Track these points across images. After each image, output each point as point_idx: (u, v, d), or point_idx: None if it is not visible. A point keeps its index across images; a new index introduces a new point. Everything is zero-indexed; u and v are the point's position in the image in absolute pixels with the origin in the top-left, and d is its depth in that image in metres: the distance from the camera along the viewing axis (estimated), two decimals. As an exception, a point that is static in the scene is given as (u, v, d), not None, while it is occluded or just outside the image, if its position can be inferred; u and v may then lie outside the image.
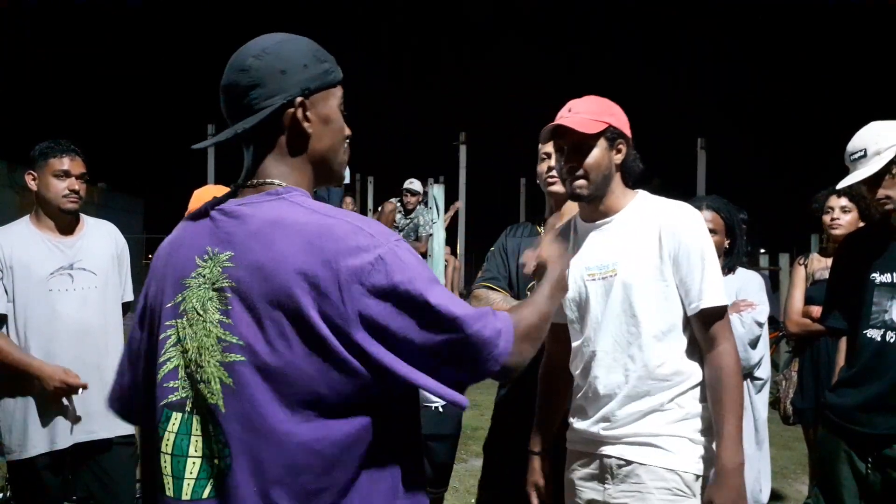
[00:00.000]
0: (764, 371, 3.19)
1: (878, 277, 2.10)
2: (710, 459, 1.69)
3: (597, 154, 1.73)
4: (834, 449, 2.14)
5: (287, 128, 1.08)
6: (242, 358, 0.99)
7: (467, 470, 4.71)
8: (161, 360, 1.07)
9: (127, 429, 2.58)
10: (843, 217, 3.21)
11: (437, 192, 6.69)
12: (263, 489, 0.98)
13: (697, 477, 1.69)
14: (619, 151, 1.77)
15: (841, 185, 2.12)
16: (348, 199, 7.37)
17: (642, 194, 1.83)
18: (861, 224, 3.12)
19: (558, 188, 2.27)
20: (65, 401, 2.43)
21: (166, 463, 1.04)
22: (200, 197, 2.55)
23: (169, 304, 1.07)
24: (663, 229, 1.72)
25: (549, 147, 2.31)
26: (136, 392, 1.18)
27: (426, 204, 6.89)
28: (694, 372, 1.73)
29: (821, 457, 2.23)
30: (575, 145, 1.74)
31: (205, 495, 1.01)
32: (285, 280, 0.97)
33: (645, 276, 1.72)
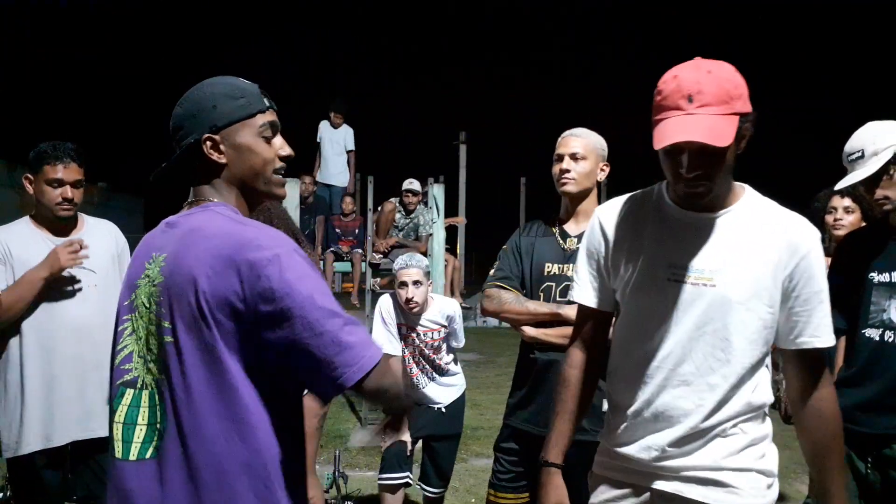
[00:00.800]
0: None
1: (876, 277, 2.10)
2: (775, 488, 1.52)
3: (728, 156, 1.41)
4: (833, 448, 2.14)
5: (202, 160, 1.29)
6: (171, 339, 1.18)
7: (467, 470, 4.71)
8: (118, 348, 1.28)
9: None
10: (846, 217, 3.21)
11: (437, 192, 6.70)
12: (187, 448, 1.16)
13: None
14: (743, 137, 1.43)
15: (839, 185, 2.13)
16: (348, 199, 7.36)
17: (750, 190, 1.54)
18: (864, 224, 3.12)
19: (571, 188, 2.32)
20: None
21: (118, 431, 1.23)
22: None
23: (126, 303, 1.29)
24: (787, 247, 1.45)
25: (562, 148, 2.34)
26: None
27: (426, 204, 6.89)
28: (761, 398, 1.52)
29: (820, 456, 2.22)
30: (704, 152, 1.37)
31: (147, 455, 1.21)
32: (196, 272, 1.16)
33: (751, 296, 1.44)
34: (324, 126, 7.53)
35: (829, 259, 2.69)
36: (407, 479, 3.12)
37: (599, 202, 2.42)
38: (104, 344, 2.48)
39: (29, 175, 2.53)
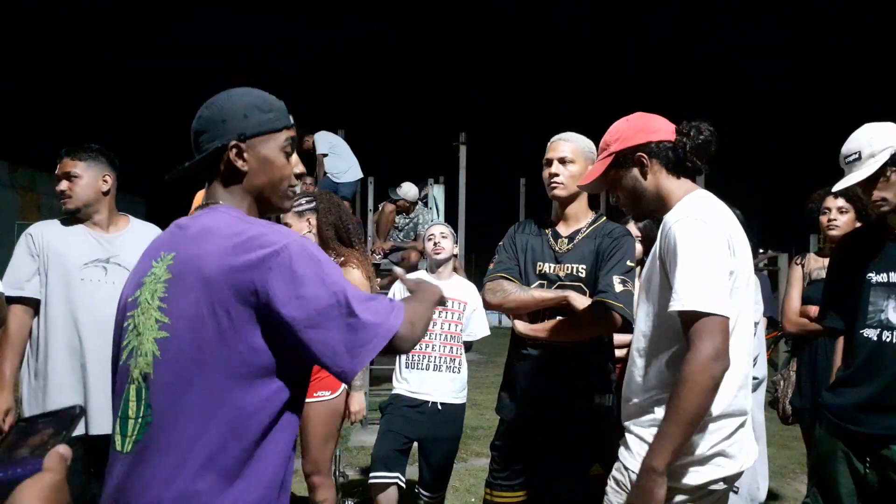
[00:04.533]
0: (759, 371, 3.21)
1: (874, 277, 2.11)
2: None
3: (627, 183, 1.84)
4: (831, 449, 2.15)
5: (225, 164, 1.32)
6: (167, 334, 1.20)
7: (467, 470, 4.72)
8: (123, 344, 1.30)
9: None
10: (840, 218, 3.22)
11: (437, 192, 6.70)
12: (173, 442, 1.17)
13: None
14: (641, 164, 1.81)
15: (836, 187, 2.13)
16: (346, 203, 7.34)
17: (688, 199, 1.79)
18: (858, 225, 3.13)
19: (560, 192, 2.37)
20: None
21: (118, 424, 1.26)
22: (202, 197, 2.57)
23: (130, 299, 1.32)
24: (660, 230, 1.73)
25: (551, 153, 2.39)
26: None
27: (426, 204, 6.90)
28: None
29: (818, 456, 2.24)
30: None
31: (128, 449, 1.22)
32: (206, 268, 1.18)
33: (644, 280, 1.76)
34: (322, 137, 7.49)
35: (827, 260, 2.71)
36: (397, 481, 3.12)
37: (591, 205, 2.45)
38: None
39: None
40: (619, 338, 2.45)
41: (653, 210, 1.83)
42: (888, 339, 2.06)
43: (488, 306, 2.42)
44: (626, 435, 1.75)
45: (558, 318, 2.27)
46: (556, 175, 2.35)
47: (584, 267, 2.30)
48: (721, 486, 1.66)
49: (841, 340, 2.35)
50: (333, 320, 1.16)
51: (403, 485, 3.17)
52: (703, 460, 1.62)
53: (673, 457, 1.52)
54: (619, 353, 2.57)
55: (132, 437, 1.22)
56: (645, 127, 1.80)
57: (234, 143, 1.31)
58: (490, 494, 2.44)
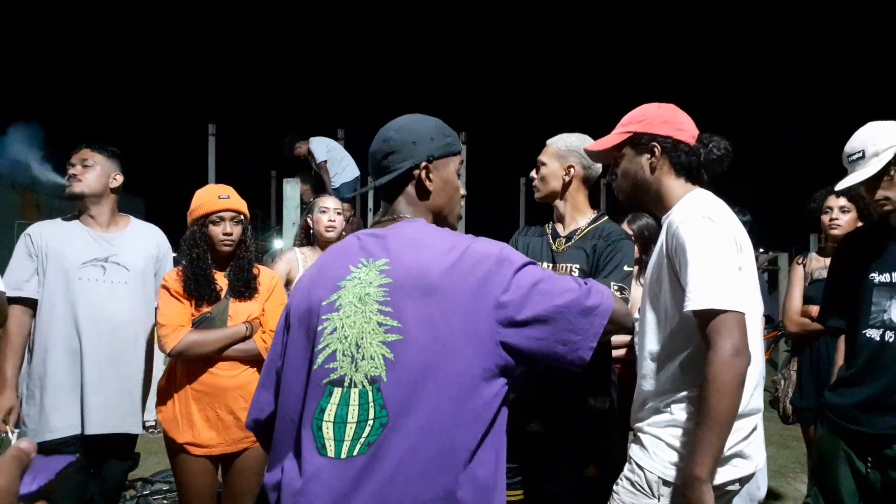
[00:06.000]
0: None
1: (876, 277, 2.10)
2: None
3: (629, 167, 1.84)
4: (833, 448, 2.14)
5: (414, 183, 1.42)
6: (400, 337, 1.22)
7: (467, 469, 4.71)
8: (319, 347, 1.29)
9: (130, 427, 2.61)
10: (841, 217, 3.21)
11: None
12: (414, 444, 1.19)
13: (666, 482, 1.62)
14: (651, 154, 1.79)
15: (839, 186, 2.12)
16: (346, 205, 7.31)
17: (688, 198, 1.80)
18: (860, 224, 3.13)
19: (536, 195, 2.47)
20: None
21: (329, 430, 1.25)
22: (202, 196, 2.57)
23: (325, 303, 1.31)
24: (665, 232, 1.73)
25: (540, 156, 2.44)
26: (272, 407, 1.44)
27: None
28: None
29: (819, 456, 2.23)
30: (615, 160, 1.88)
31: (355, 452, 1.22)
32: (434, 279, 1.24)
33: (653, 283, 1.77)
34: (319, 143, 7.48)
35: (829, 259, 2.70)
36: None
37: (592, 204, 2.46)
38: (126, 340, 2.60)
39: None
40: (617, 338, 2.45)
41: (644, 201, 1.84)
42: (890, 340, 2.05)
43: None
44: (640, 436, 1.73)
45: None
46: (533, 179, 2.46)
47: (578, 266, 2.30)
48: (736, 486, 1.65)
49: (843, 340, 2.34)
50: (573, 320, 1.26)
51: None
52: (722, 461, 1.60)
53: (714, 462, 1.50)
54: (617, 353, 2.57)
55: (361, 440, 1.22)
56: (671, 120, 1.80)
57: (425, 164, 1.41)
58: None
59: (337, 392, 1.25)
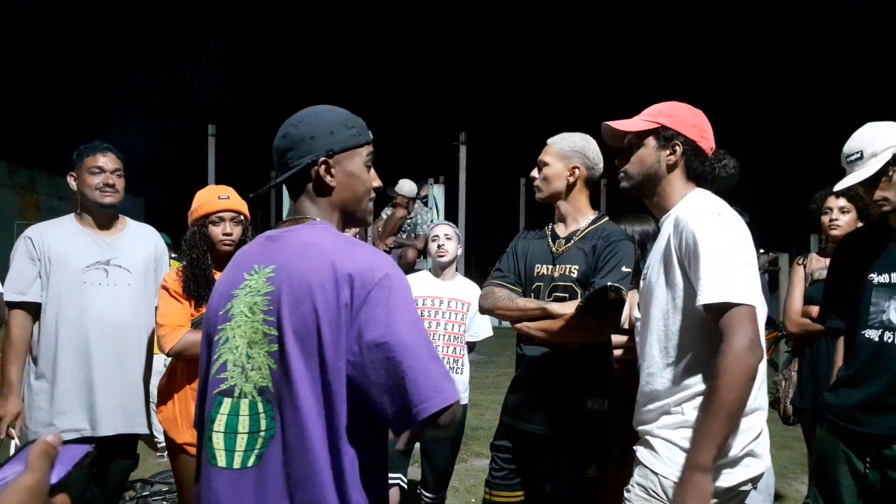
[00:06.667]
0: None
1: (875, 278, 2.10)
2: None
3: (647, 157, 1.81)
4: (832, 449, 2.14)
5: (314, 180, 1.36)
6: (277, 347, 1.22)
7: (467, 470, 4.72)
8: (214, 357, 1.30)
9: (138, 428, 2.62)
10: (841, 217, 3.21)
11: (437, 192, 6.71)
12: (290, 455, 1.19)
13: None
14: (672, 151, 1.79)
15: (838, 187, 2.12)
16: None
17: (694, 195, 1.80)
18: (859, 224, 3.13)
19: (538, 195, 2.46)
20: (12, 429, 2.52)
21: (218, 440, 1.26)
22: (202, 197, 2.58)
23: (220, 312, 1.32)
24: (672, 227, 1.72)
25: (541, 156, 2.43)
26: None
27: (426, 204, 6.89)
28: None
29: (819, 457, 2.23)
30: (628, 146, 1.84)
31: (249, 464, 1.23)
32: (312, 286, 1.19)
33: (657, 279, 1.75)
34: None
35: (828, 260, 2.70)
36: (399, 482, 3.11)
37: (594, 205, 2.46)
38: (130, 342, 2.61)
39: (72, 173, 2.65)
40: (616, 339, 2.45)
41: (646, 195, 1.84)
42: (889, 340, 2.05)
43: (481, 310, 2.48)
44: (650, 440, 1.71)
45: (550, 319, 2.27)
46: (535, 179, 2.44)
47: (577, 267, 2.30)
48: (749, 486, 1.64)
49: (842, 341, 2.34)
50: (403, 366, 1.18)
51: (405, 486, 3.17)
52: (735, 461, 1.60)
53: (718, 452, 1.51)
54: (616, 353, 2.57)
55: (254, 452, 1.22)
56: (699, 125, 1.81)
57: (323, 159, 1.34)
58: (489, 494, 2.44)
59: (227, 402, 1.25)
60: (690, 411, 1.63)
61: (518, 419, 2.36)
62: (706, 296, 1.53)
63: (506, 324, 2.51)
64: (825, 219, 3.26)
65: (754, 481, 1.65)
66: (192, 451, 2.43)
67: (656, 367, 1.73)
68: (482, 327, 3.38)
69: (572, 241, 2.36)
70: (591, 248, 2.30)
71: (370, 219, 1.45)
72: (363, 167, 1.39)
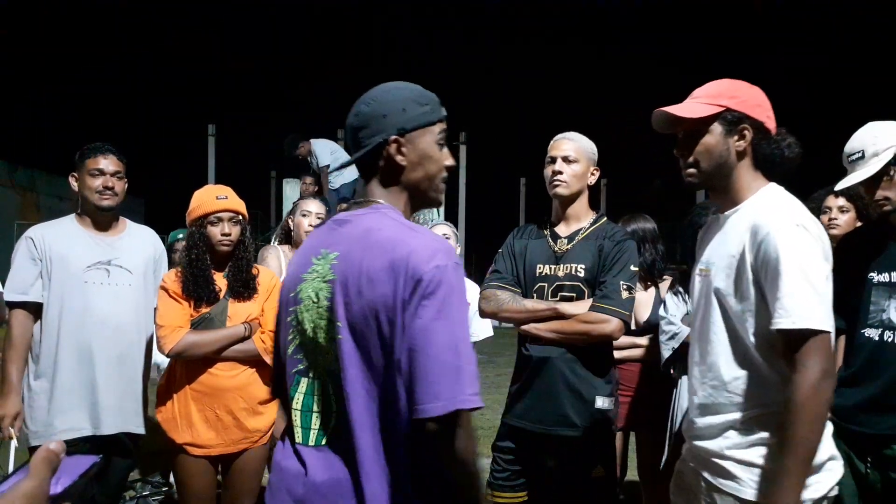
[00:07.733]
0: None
1: (875, 277, 2.10)
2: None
3: (714, 145, 1.63)
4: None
5: (385, 160, 1.33)
6: (341, 336, 1.24)
7: (467, 470, 4.70)
8: (289, 338, 1.35)
9: (137, 427, 2.63)
10: (840, 217, 3.21)
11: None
12: (353, 438, 1.22)
13: None
14: (742, 137, 1.63)
15: (839, 186, 2.12)
16: (343, 206, 7.29)
17: (768, 189, 1.66)
18: (858, 224, 3.13)
19: (562, 190, 2.36)
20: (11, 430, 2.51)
21: (297, 417, 1.31)
22: (200, 197, 2.57)
23: (290, 295, 1.35)
24: (749, 232, 1.56)
25: (554, 151, 2.39)
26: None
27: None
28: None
29: (819, 456, 2.23)
30: (687, 134, 1.66)
31: (323, 442, 1.28)
32: (373, 275, 1.21)
33: (727, 285, 1.60)
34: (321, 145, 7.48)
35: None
36: None
37: (591, 206, 2.45)
38: (131, 342, 2.62)
39: (74, 174, 2.65)
40: (625, 339, 2.45)
41: (714, 187, 1.69)
42: (889, 339, 2.05)
43: (483, 314, 2.43)
44: (722, 463, 1.60)
45: (558, 319, 2.26)
46: (560, 173, 2.34)
47: (584, 266, 2.29)
48: (835, 491, 1.59)
49: (842, 340, 2.34)
50: (433, 357, 1.20)
51: None
52: (819, 468, 1.54)
53: (801, 489, 1.45)
54: (618, 354, 2.56)
55: (327, 431, 1.28)
56: (764, 104, 1.65)
57: (394, 137, 1.31)
58: (491, 495, 2.43)
59: (304, 382, 1.31)
60: (762, 428, 1.56)
61: (525, 420, 2.34)
62: (784, 321, 1.45)
63: (506, 323, 2.49)
64: (824, 218, 3.26)
65: (838, 484, 1.60)
66: (192, 451, 2.43)
67: (719, 379, 1.62)
68: (482, 327, 3.37)
69: (575, 241, 2.35)
70: (598, 247, 2.29)
71: (442, 198, 1.42)
72: (435, 145, 1.36)
